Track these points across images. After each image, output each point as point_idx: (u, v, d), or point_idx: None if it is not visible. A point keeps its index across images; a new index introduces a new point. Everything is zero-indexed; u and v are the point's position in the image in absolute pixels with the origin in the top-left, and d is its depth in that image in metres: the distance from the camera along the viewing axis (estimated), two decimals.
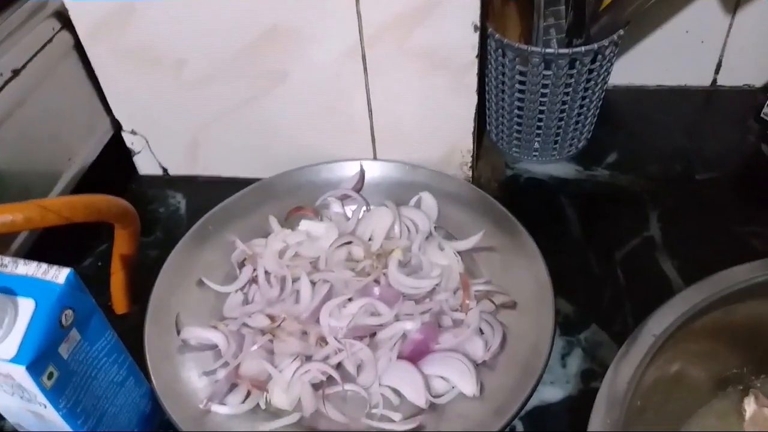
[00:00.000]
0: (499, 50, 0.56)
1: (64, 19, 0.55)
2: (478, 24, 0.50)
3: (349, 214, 0.58)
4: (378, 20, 0.50)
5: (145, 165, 0.66)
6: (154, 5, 0.52)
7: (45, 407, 0.35)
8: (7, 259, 0.35)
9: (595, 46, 0.54)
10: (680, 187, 0.61)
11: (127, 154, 0.65)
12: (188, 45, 0.55)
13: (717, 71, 0.71)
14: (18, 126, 0.50)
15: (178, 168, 0.66)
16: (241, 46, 0.54)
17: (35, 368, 0.33)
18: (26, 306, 0.34)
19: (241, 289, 0.53)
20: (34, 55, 0.52)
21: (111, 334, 0.39)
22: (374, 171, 0.59)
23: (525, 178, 0.63)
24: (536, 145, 0.62)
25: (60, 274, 0.35)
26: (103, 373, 0.38)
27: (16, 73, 0.50)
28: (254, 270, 0.53)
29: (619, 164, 0.63)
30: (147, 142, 0.64)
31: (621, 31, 0.55)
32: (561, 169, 0.63)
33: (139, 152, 0.65)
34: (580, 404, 0.45)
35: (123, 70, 0.57)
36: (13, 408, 0.37)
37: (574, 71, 0.55)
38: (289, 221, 0.57)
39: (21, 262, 0.35)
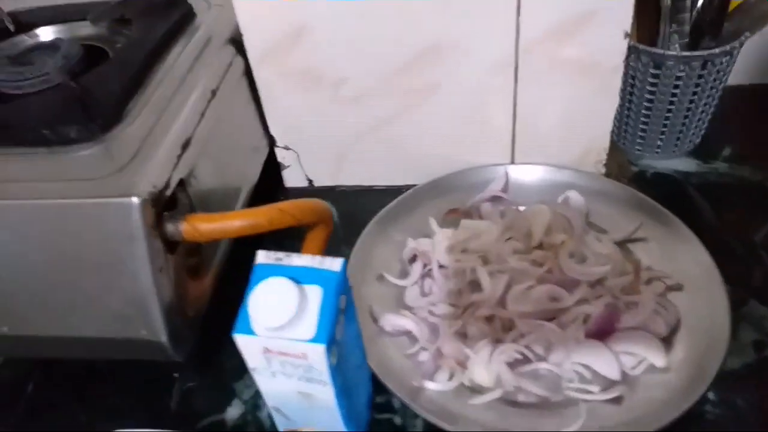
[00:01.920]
0: (632, 55, 0.62)
1: (237, 45, 0.61)
2: (629, 31, 0.55)
3: (498, 215, 0.62)
4: (535, 32, 0.56)
5: (293, 178, 0.71)
6: (322, 27, 0.58)
7: (324, 385, 0.40)
8: (281, 254, 0.40)
9: (728, 47, 0.59)
10: None
11: (275, 169, 0.70)
12: (351, 64, 0.60)
13: None
14: (216, 143, 0.55)
15: (322, 179, 0.71)
16: (402, 63, 0.59)
17: (329, 347, 0.37)
18: (314, 292, 0.38)
19: (416, 282, 0.57)
20: (223, 78, 0.57)
21: (357, 319, 0.43)
22: (517, 174, 0.64)
23: (651, 173, 0.68)
24: (659, 142, 0.67)
25: (335, 264, 0.39)
26: (353, 356, 0.43)
27: (213, 94, 0.55)
28: (425, 265, 0.58)
29: (735, 157, 0.68)
30: (298, 156, 0.69)
31: (748, 33, 0.60)
32: (682, 163, 0.68)
33: (288, 166, 0.70)
34: (759, 370, 0.49)
35: (285, 90, 0.63)
36: (282, 391, 0.41)
37: (705, 71, 0.60)
38: (445, 223, 0.62)
39: (294, 255, 0.40)
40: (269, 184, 0.71)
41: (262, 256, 0.40)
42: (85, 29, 0.64)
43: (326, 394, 0.40)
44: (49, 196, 0.44)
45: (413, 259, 0.60)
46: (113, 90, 0.50)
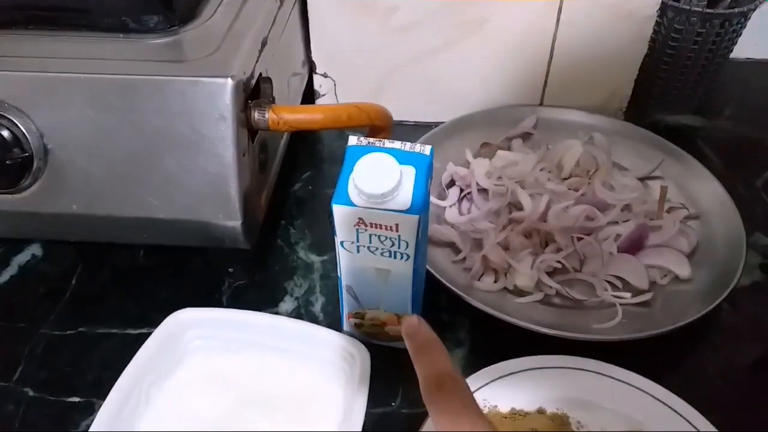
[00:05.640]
0: (658, 11, 0.67)
1: None
2: None
3: (529, 150, 0.67)
4: None
5: None
6: None
7: (407, 260, 0.43)
8: (372, 138, 0.43)
9: (745, 8, 0.65)
10: None
11: (308, 100, 0.72)
12: None
13: None
14: (279, 53, 0.57)
15: None
16: None
17: (420, 219, 0.41)
18: (409, 171, 0.41)
19: (454, 204, 0.61)
20: None
21: (429, 208, 0.46)
22: (546, 115, 0.69)
23: (663, 125, 0.73)
24: (671, 98, 0.73)
25: (425, 149, 0.42)
26: (424, 242, 0.46)
27: (281, 2, 0.57)
28: (461, 190, 0.62)
29: (736, 117, 0.75)
30: (335, 84, 0.71)
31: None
32: (689, 119, 0.74)
33: (324, 95, 0.72)
34: (766, 287, 0.55)
35: (335, 15, 0.65)
36: (361, 267, 0.44)
37: (722, 30, 0.66)
38: (478, 155, 0.66)
39: (386, 141, 0.43)
40: None
41: (354, 140, 0.43)
42: None
43: (405, 268, 0.43)
44: (141, 72, 0.45)
45: (451, 183, 0.63)
46: None
